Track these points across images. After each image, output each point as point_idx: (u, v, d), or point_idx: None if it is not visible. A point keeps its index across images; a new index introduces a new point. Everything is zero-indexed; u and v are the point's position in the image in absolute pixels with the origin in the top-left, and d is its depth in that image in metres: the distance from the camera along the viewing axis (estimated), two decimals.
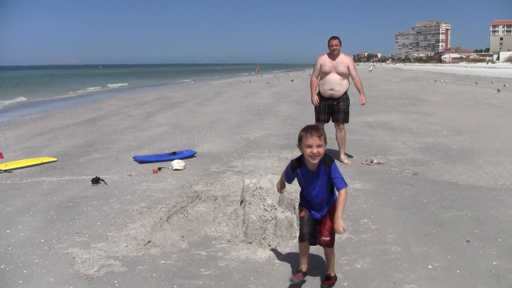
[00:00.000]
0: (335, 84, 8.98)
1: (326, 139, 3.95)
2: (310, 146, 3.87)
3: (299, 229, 4.19)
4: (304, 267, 4.16)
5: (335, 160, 4.14)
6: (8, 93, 37.20)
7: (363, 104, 9.40)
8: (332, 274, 4.15)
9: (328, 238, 4.04)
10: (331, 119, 9.23)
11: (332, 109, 9.14)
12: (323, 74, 9.08)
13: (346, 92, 9.16)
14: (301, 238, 4.06)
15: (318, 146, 3.87)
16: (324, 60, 9.05)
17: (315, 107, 9.30)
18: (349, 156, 9.29)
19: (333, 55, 9.01)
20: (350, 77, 9.13)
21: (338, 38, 8.99)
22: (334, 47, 8.91)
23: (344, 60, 9.02)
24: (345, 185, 3.94)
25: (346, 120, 9.20)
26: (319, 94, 9.23)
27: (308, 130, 3.90)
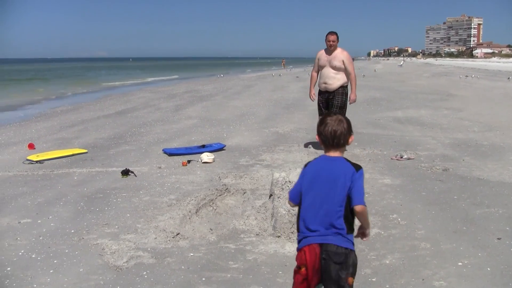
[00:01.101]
0: (329, 78, 9.15)
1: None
2: None
3: None
4: None
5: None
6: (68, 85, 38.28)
7: (351, 102, 9.45)
8: None
9: None
10: None
11: (329, 102, 9.26)
12: (320, 68, 9.35)
13: (342, 87, 9.22)
14: None
15: None
16: (321, 54, 9.31)
17: (318, 103, 9.48)
18: (379, 151, 9.20)
19: (329, 50, 9.20)
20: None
21: (336, 34, 9.15)
22: (331, 42, 9.09)
23: (339, 55, 9.13)
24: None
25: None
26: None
27: (321, 121, 3.08)
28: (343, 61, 9.09)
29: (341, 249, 2.84)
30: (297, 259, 3.06)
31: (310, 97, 9.82)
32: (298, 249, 3.07)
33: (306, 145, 9.85)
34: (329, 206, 2.88)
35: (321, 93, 9.38)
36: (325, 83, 9.19)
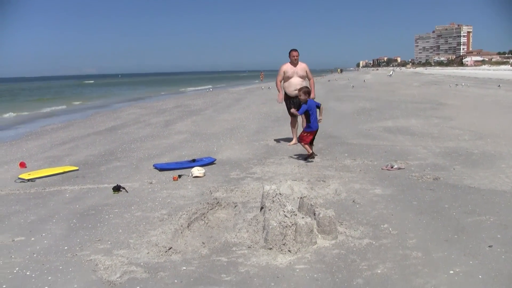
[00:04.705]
0: (298, 85, 11.13)
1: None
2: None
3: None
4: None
5: None
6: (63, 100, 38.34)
7: (312, 99, 10.70)
8: None
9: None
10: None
11: (297, 104, 10.78)
12: (286, 78, 11.54)
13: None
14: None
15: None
16: (287, 67, 11.53)
17: (286, 105, 11.72)
18: (369, 162, 9.29)
19: (294, 63, 11.49)
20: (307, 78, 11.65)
21: (297, 50, 11.47)
22: (296, 57, 11.45)
23: (302, 66, 11.51)
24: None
25: None
26: (285, 94, 11.64)
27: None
28: (306, 71, 11.49)
29: None
30: (308, 133, 9.72)
31: (278, 100, 11.93)
32: (310, 131, 9.75)
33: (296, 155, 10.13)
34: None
35: (291, 98, 11.50)
36: (296, 90, 10.86)
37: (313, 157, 9.68)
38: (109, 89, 73.20)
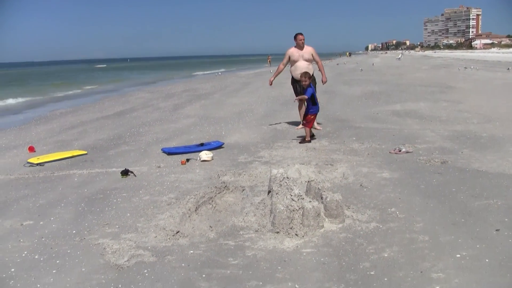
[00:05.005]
0: (304, 69, 11.06)
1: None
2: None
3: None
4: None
5: None
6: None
7: (324, 82, 11.59)
8: None
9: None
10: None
11: (303, 88, 10.67)
12: (292, 62, 11.50)
13: (312, 74, 11.16)
14: None
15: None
16: (293, 51, 11.48)
17: (293, 88, 11.75)
18: (377, 145, 9.27)
19: (300, 47, 11.41)
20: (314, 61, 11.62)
21: (303, 34, 11.42)
22: (302, 40, 11.38)
23: (308, 50, 11.44)
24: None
25: None
26: (292, 78, 11.64)
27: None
28: (312, 54, 11.40)
29: None
30: (314, 115, 10.13)
31: (269, 82, 12.23)
32: (314, 112, 10.14)
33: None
34: None
35: (297, 81, 11.26)
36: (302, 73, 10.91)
37: (310, 142, 9.84)
38: (121, 73, 73.36)
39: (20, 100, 27.36)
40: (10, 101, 26.61)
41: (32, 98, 28.42)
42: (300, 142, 9.74)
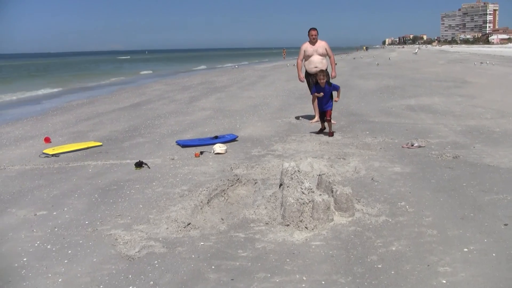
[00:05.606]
0: (318, 63, 11.56)
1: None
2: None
3: None
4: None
5: None
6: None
7: (333, 77, 11.46)
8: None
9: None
10: None
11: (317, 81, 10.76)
12: (306, 57, 11.75)
13: (326, 69, 11.28)
14: None
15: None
16: (307, 46, 11.73)
17: (307, 82, 11.98)
18: (390, 140, 9.25)
19: (313, 42, 11.66)
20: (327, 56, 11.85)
21: (316, 29, 11.69)
22: (314, 36, 11.64)
23: (321, 44, 11.69)
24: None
25: None
26: (306, 72, 11.90)
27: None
28: (325, 49, 11.66)
29: None
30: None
31: (299, 79, 12.28)
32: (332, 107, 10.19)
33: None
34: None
35: (311, 75, 11.54)
36: (316, 67, 11.40)
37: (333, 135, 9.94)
38: (148, 64, 73.54)
39: (55, 90, 28.02)
40: (43, 91, 27.15)
41: (62, 89, 28.76)
42: (329, 136, 9.86)
